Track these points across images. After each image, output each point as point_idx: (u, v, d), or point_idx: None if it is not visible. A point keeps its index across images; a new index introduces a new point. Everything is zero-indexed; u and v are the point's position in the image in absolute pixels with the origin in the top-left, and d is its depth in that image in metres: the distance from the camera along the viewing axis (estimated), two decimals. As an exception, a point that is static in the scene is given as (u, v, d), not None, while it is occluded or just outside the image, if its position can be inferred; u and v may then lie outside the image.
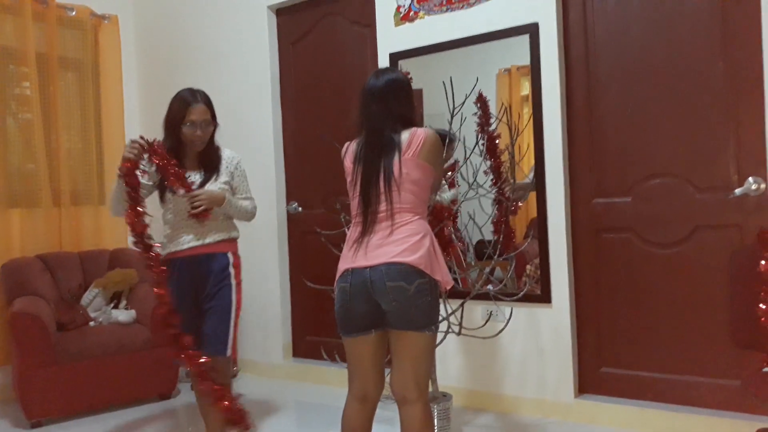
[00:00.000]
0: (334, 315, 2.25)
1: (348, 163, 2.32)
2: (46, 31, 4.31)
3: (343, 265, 2.24)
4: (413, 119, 2.32)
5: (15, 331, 3.43)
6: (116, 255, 4.30)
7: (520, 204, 3.29)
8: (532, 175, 3.26)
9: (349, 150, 2.33)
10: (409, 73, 3.14)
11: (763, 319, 2.20)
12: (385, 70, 2.41)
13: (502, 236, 3.12)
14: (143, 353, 3.72)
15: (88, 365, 3.55)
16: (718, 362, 2.91)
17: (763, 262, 2.24)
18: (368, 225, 2.19)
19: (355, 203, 2.28)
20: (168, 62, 4.76)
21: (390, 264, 2.11)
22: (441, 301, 2.27)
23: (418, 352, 2.20)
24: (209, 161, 2.71)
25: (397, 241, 2.14)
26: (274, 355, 4.27)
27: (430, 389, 3.05)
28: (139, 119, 4.87)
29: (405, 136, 2.22)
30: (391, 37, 3.68)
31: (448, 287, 2.23)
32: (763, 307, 2.20)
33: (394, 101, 2.27)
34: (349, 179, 2.31)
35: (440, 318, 3.04)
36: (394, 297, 2.11)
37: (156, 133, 2.66)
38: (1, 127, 4.07)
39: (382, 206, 2.18)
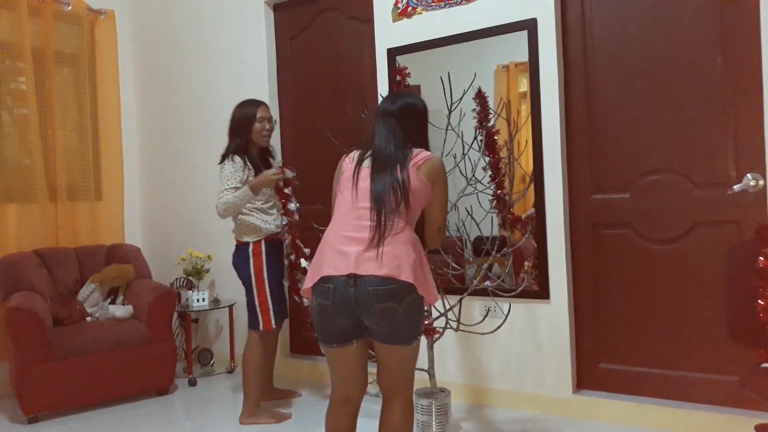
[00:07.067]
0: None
1: (348, 164, 2.27)
2: (42, 25, 4.30)
3: (324, 270, 2.12)
4: (425, 145, 2.33)
5: (11, 326, 3.41)
6: (113, 250, 4.28)
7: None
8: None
9: (350, 156, 2.30)
10: (407, 69, 3.13)
11: (761, 314, 2.20)
12: (402, 93, 2.43)
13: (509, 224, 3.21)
14: (140, 348, 3.71)
15: (85, 360, 3.54)
16: (716, 358, 2.92)
17: (761, 258, 2.23)
18: (375, 232, 2.09)
19: (343, 199, 2.21)
20: (165, 57, 4.74)
21: (381, 279, 2.03)
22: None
23: (404, 361, 2.20)
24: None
25: (388, 253, 2.06)
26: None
27: (428, 385, 3.05)
28: (136, 115, 4.85)
29: (412, 152, 2.23)
30: (388, 33, 3.67)
31: (433, 303, 2.21)
32: (762, 303, 2.20)
33: (408, 123, 2.28)
34: (344, 175, 2.25)
35: (436, 316, 3.06)
36: (383, 318, 2.06)
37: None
38: (-3, 122, 4.07)
39: (383, 215, 2.11)
